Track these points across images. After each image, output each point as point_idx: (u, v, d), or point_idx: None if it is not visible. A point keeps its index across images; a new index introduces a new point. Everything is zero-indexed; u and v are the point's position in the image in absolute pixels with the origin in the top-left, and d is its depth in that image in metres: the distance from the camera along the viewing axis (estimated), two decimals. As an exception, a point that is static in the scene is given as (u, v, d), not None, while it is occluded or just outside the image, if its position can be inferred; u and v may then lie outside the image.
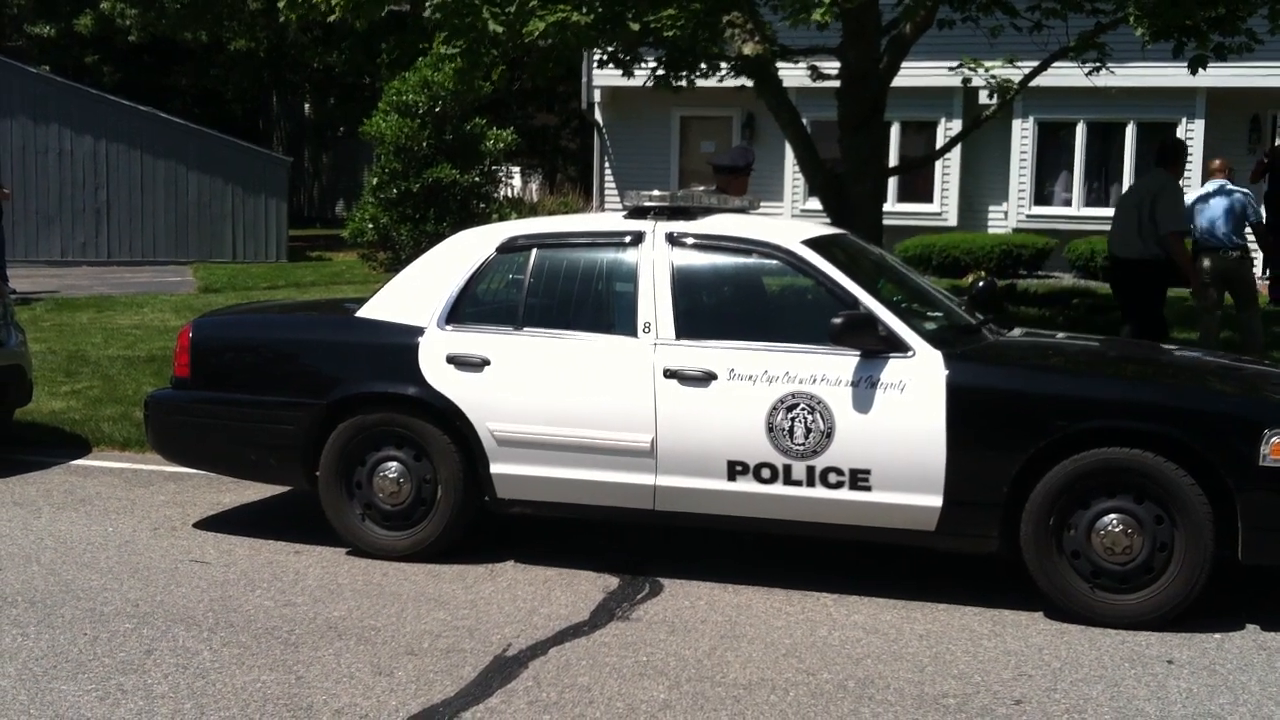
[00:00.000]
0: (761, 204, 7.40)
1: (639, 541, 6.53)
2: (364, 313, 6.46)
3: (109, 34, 31.30)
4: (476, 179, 18.95)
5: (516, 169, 28.65)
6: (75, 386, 10.52)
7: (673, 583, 5.89)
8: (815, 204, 14.93)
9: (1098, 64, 11.21)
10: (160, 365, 11.05)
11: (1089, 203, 19.31)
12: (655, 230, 6.11)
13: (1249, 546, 5.24)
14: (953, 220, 19.59)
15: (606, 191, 21.19)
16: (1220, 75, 13.90)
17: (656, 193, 6.31)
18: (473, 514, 6.24)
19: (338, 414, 6.26)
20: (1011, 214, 19.48)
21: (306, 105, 37.91)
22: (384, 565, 6.15)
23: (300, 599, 5.68)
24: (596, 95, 20.83)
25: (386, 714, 4.47)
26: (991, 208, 19.79)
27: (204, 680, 4.74)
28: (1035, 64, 11.41)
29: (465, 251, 6.40)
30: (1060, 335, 7.30)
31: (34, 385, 8.84)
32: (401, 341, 6.21)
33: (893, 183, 18.01)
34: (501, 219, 15.63)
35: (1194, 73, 10.54)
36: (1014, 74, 11.45)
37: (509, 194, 23.25)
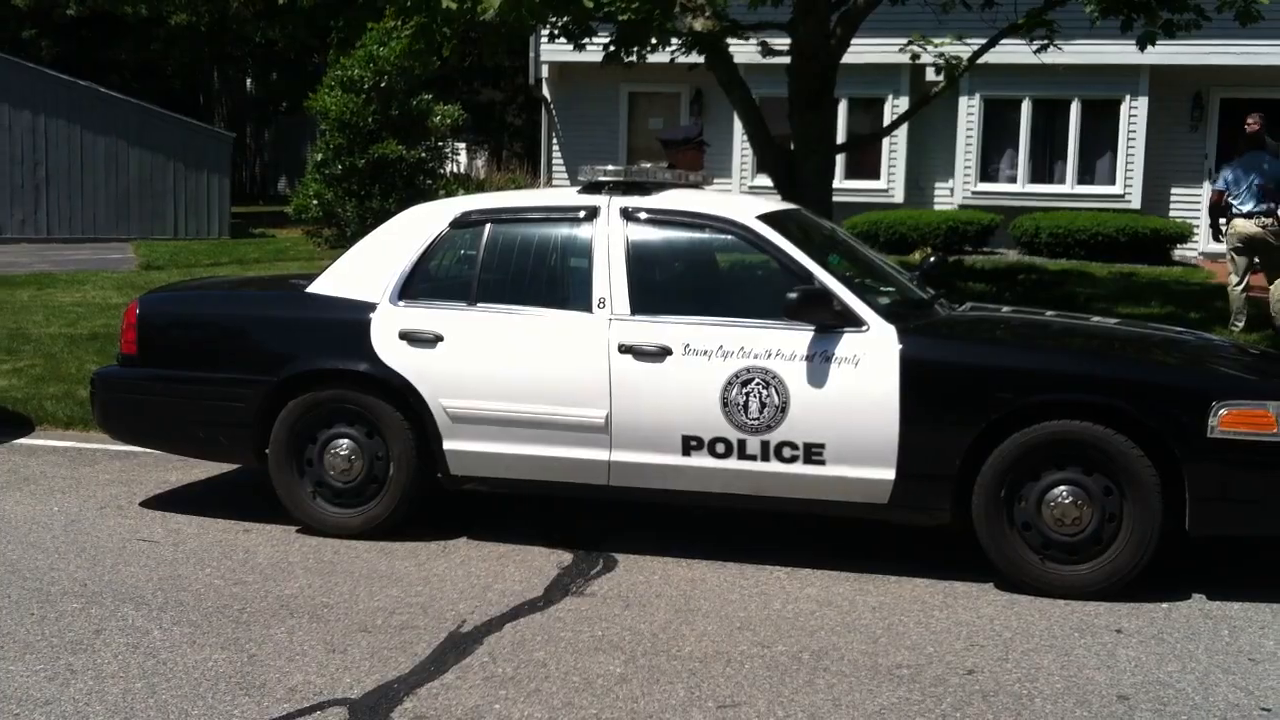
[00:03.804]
0: (713, 180, 7.40)
1: (593, 517, 6.52)
2: (315, 288, 6.40)
3: (47, 7, 30.81)
4: (423, 155, 18.84)
5: (463, 145, 28.49)
6: (17, 365, 10.36)
7: (627, 558, 5.89)
8: (764, 180, 14.94)
9: (1046, 41, 11.28)
10: (103, 343, 10.92)
11: (1034, 179, 19.45)
12: (610, 205, 6.08)
13: (1196, 517, 5.31)
14: (899, 197, 19.67)
15: (555, 168, 21.10)
16: (1164, 53, 14.02)
17: (611, 167, 6.28)
18: (425, 491, 6.21)
19: (288, 391, 6.20)
20: (958, 191, 19.60)
21: (249, 80, 37.50)
22: (335, 543, 6.10)
23: (251, 577, 5.62)
24: (544, 71, 20.70)
25: (341, 691, 4.44)
26: (938, 185, 19.89)
27: (154, 659, 4.69)
28: (983, 41, 11.47)
29: (418, 227, 6.35)
30: (1006, 310, 7.35)
31: (-25, 363, 8.70)
32: (353, 317, 6.16)
33: (840, 160, 18.04)
34: (449, 195, 15.51)
35: (1142, 49, 10.63)
36: (963, 51, 11.50)
37: (455, 170, 23.11)
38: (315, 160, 18.90)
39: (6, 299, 14.32)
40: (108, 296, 14.51)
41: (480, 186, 21.19)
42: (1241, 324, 11.79)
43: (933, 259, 6.91)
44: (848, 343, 5.58)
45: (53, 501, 6.79)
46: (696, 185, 6.75)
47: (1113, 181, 19.11)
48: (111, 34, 33.07)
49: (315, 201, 18.50)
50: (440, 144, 19.65)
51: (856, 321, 5.61)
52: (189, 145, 23.49)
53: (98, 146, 22.81)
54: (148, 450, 7.33)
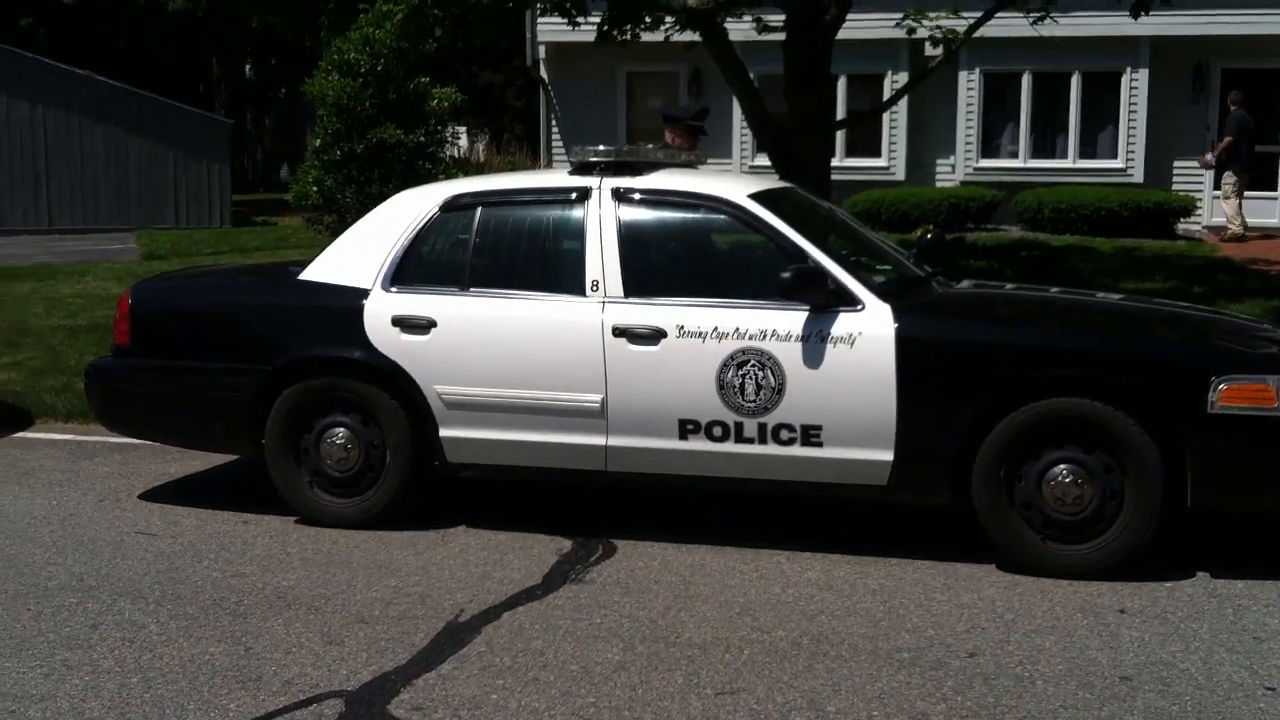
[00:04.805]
0: (709, 160, 7.34)
1: (592, 504, 6.49)
2: (307, 276, 6.35)
3: (43, -4, 30.71)
4: (421, 139, 18.72)
5: (462, 128, 28.35)
6: (16, 358, 10.33)
7: (626, 544, 5.86)
8: (764, 160, 14.86)
9: (1042, 13, 11.20)
10: (103, 334, 10.85)
11: (1036, 154, 19.35)
12: (601, 186, 6.03)
13: (1198, 494, 5.26)
14: (901, 174, 19.59)
15: (554, 149, 21.02)
16: (1164, 23, 13.93)
17: (602, 148, 6.22)
18: (422, 479, 6.16)
19: (283, 379, 6.16)
20: (959, 167, 19.50)
21: (247, 67, 37.40)
22: (333, 533, 6.07)
23: (248, 569, 5.59)
24: (542, 52, 20.61)
25: (338, 683, 4.41)
26: (939, 161, 19.79)
27: (151, 653, 4.67)
28: (980, 14, 11.38)
29: (407, 211, 6.29)
30: (1008, 286, 7.30)
31: (-29, 357, 8.67)
32: (346, 304, 6.11)
33: (840, 138, 17.94)
34: (449, 179, 15.46)
35: (1136, 17, 10.56)
36: (959, 25, 11.41)
37: (455, 154, 23.01)
38: (314, 146, 18.81)
39: (6, 292, 14.28)
40: (108, 287, 14.46)
41: (480, 169, 21.11)
42: None
43: (929, 236, 6.84)
44: (843, 322, 5.52)
45: (51, 496, 6.77)
46: (691, 165, 6.69)
47: (1114, 155, 19.00)
48: (108, 22, 32.94)
49: (315, 188, 18.40)
50: (439, 127, 19.53)
51: (852, 300, 5.56)
52: (188, 133, 23.40)
53: (96, 136, 22.75)
54: (147, 442, 7.29)
